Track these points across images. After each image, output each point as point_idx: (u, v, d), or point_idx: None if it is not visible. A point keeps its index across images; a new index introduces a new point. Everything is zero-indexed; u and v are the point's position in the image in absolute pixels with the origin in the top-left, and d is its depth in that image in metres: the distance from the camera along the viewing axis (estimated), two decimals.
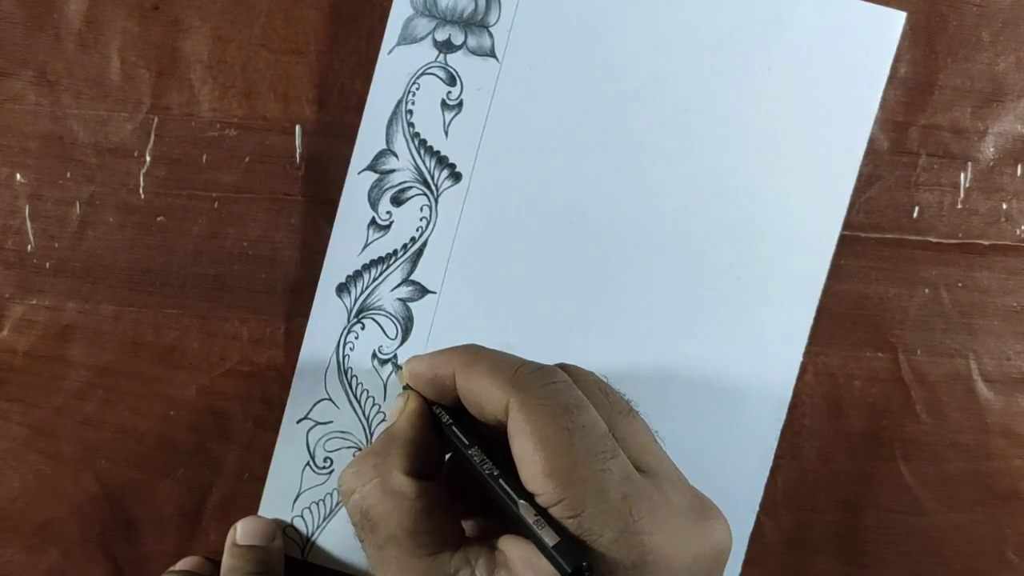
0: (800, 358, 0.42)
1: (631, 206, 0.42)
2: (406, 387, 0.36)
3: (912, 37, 0.42)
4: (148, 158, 0.43)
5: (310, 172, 0.43)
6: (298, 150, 0.43)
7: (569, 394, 0.32)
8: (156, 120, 0.42)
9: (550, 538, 0.29)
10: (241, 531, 0.41)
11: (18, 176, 0.43)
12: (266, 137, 0.43)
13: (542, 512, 0.30)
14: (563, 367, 0.34)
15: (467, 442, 0.34)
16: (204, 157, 0.43)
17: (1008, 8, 0.43)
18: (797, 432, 0.43)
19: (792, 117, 0.42)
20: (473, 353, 0.34)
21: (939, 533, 0.44)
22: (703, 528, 0.31)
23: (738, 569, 0.43)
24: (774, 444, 0.42)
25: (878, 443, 0.43)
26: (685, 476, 0.34)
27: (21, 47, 0.42)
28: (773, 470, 0.43)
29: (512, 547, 0.31)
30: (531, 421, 0.30)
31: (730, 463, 0.42)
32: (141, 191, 0.43)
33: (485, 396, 0.32)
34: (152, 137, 0.42)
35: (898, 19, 0.42)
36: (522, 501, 0.31)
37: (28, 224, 0.43)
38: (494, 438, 0.33)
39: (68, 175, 0.43)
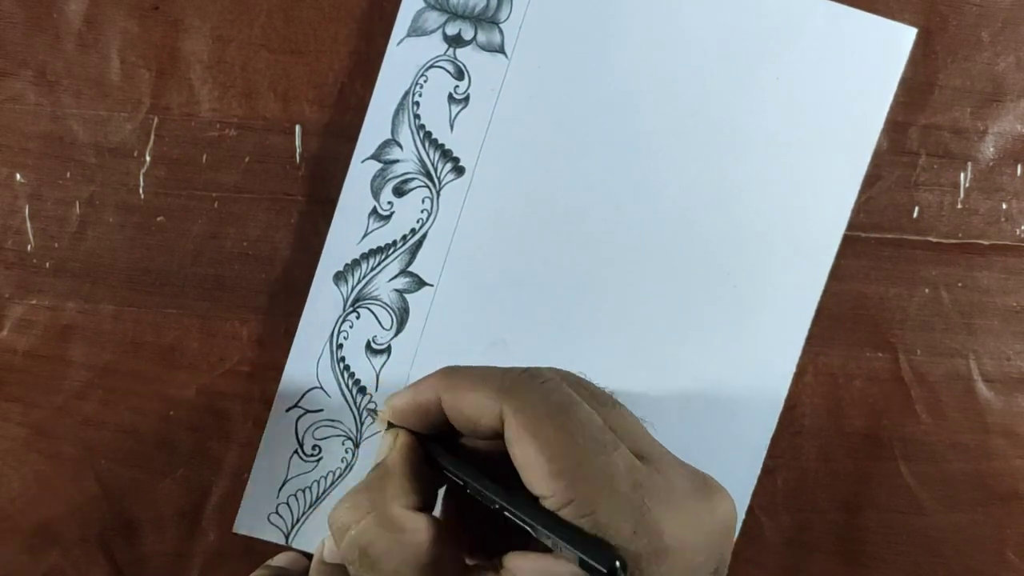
0: (794, 367, 0.42)
1: (633, 208, 0.42)
2: (390, 425, 0.35)
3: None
4: (148, 158, 0.43)
5: (310, 172, 0.43)
6: (298, 150, 0.43)
7: (561, 392, 0.31)
8: (156, 120, 0.42)
9: (577, 544, 0.29)
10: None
11: (18, 176, 0.43)
12: (266, 137, 0.43)
13: (557, 519, 0.30)
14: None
15: (463, 470, 0.33)
16: (204, 157, 0.43)
17: (1008, 8, 0.43)
18: (797, 432, 0.43)
19: (798, 126, 0.42)
20: (453, 372, 0.33)
21: (939, 533, 0.44)
22: (709, 505, 0.31)
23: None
24: (764, 450, 0.42)
25: (878, 443, 0.43)
26: (677, 457, 0.34)
27: (21, 47, 0.42)
28: (773, 470, 0.43)
29: (521, 562, 0.31)
30: (528, 425, 0.30)
31: (720, 466, 0.42)
32: (141, 191, 0.43)
33: (476, 410, 0.31)
34: (152, 137, 0.42)
35: (908, 34, 0.42)
36: (536, 513, 0.30)
37: (28, 224, 0.43)
38: (488, 459, 0.33)
39: (68, 175, 0.43)
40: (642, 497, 0.29)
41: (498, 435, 0.31)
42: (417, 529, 0.31)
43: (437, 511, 0.37)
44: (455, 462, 0.33)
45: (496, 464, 0.32)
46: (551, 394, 0.31)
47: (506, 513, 0.31)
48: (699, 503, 0.31)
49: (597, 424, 0.31)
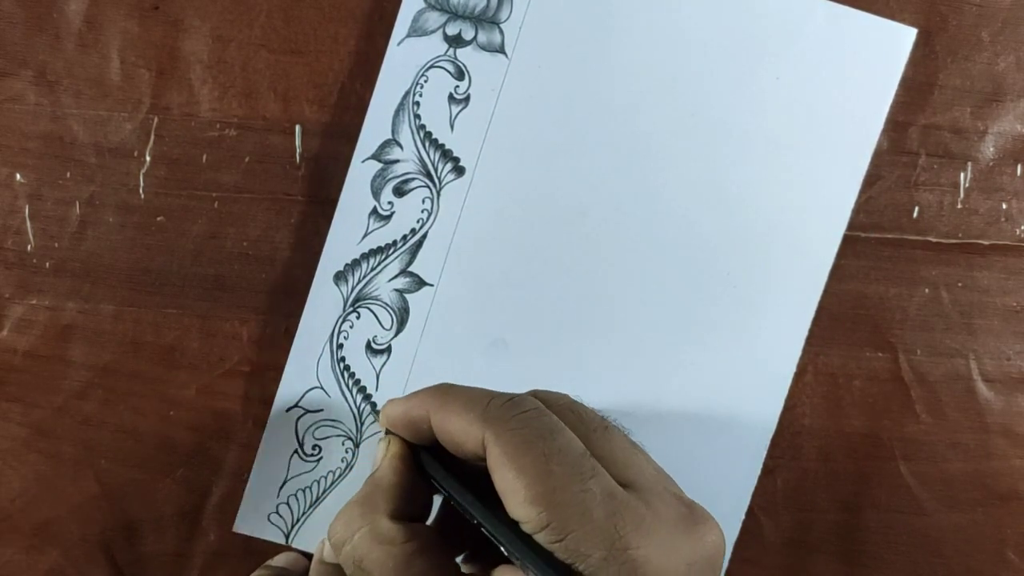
0: (794, 367, 0.42)
1: (633, 208, 0.42)
2: (387, 431, 0.36)
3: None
4: (148, 158, 0.43)
5: (310, 172, 0.43)
6: (298, 150, 0.43)
7: (542, 420, 0.32)
8: (156, 120, 0.42)
9: (540, 568, 0.29)
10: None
11: (18, 176, 0.43)
12: (266, 137, 0.43)
13: (530, 542, 0.30)
14: (534, 394, 0.34)
15: (447, 484, 0.33)
16: (204, 157, 0.43)
17: (1008, 8, 0.43)
18: (797, 432, 0.43)
19: (798, 126, 0.42)
20: (444, 393, 0.34)
21: (939, 533, 0.44)
22: (694, 534, 0.32)
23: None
24: (764, 450, 0.42)
25: (878, 443, 0.43)
26: (673, 481, 0.34)
27: (21, 47, 0.42)
28: (773, 470, 0.43)
29: None
30: (507, 452, 0.31)
31: (719, 469, 0.42)
32: (141, 191, 0.43)
33: (461, 435, 0.32)
34: (152, 137, 0.42)
35: (908, 35, 0.42)
36: (510, 534, 0.31)
37: (28, 224, 0.43)
38: (480, 472, 0.33)
39: (68, 175, 0.43)
40: (615, 525, 0.30)
41: (481, 459, 0.32)
42: (405, 540, 0.32)
43: (434, 516, 0.37)
44: (443, 474, 0.34)
45: (486, 478, 0.32)
46: (531, 422, 0.32)
47: (483, 530, 0.32)
48: (682, 533, 0.31)
49: (577, 451, 0.31)
